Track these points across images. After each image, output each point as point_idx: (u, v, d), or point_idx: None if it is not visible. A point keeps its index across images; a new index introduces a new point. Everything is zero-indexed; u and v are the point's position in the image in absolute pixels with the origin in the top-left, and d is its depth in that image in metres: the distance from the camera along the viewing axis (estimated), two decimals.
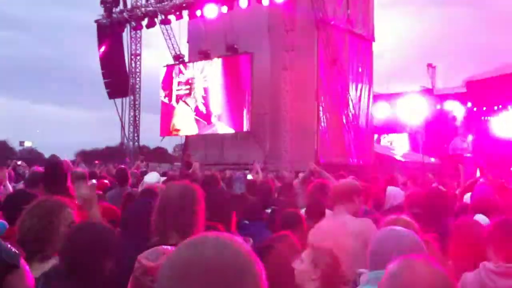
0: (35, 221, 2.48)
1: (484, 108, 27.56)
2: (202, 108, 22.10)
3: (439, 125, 30.06)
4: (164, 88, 23.94)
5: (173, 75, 23.59)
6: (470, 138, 29.34)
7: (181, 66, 23.60)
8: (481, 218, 4.05)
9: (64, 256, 2.25)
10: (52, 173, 4.19)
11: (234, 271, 1.07)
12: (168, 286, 1.07)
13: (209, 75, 22.08)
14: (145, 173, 9.09)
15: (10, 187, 6.93)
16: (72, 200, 3.12)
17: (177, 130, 23.70)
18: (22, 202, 3.20)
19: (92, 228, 2.37)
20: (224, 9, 19.55)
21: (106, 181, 7.40)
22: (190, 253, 1.09)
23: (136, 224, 3.13)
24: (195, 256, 1.08)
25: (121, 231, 3.53)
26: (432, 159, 25.69)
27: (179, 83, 23.30)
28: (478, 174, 9.08)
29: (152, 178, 6.23)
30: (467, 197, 6.40)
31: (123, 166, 8.47)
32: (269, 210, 5.48)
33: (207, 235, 1.14)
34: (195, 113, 22.40)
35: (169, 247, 2.34)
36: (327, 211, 4.77)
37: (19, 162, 8.78)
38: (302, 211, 4.85)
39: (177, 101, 23.30)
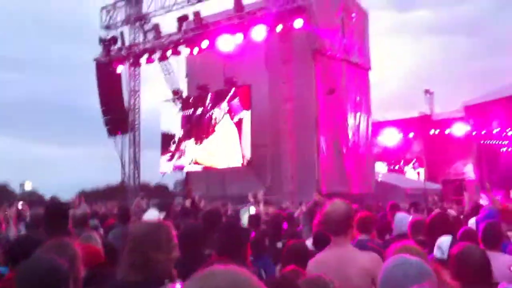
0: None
1: (483, 132, 27.62)
2: (209, 148, 21.90)
3: (439, 150, 30.09)
4: (169, 132, 23.75)
5: (178, 117, 23.48)
6: (471, 162, 29.34)
7: (180, 106, 23.55)
8: None
9: None
10: (53, 216, 4.17)
11: None
12: None
13: (212, 112, 21.94)
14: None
15: (14, 230, 6.88)
16: (74, 241, 3.09)
17: (182, 168, 23.58)
18: (27, 247, 3.20)
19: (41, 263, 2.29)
20: (224, 46, 19.66)
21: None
22: (202, 284, 1.09)
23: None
24: (207, 286, 1.08)
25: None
26: (435, 185, 25.61)
27: (183, 126, 23.20)
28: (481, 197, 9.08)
29: (151, 215, 6.20)
30: (472, 221, 6.36)
31: (123, 204, 8.47)
32: (280, 244, 5.36)
33: (217, 268, 1.14)
34: (200, 153, 22.22)
35: (179, 286, 2.32)
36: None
37: (19, 204, 8.70)
38: (308, 242, 4.81)
39: (183, 140, 23.08)
